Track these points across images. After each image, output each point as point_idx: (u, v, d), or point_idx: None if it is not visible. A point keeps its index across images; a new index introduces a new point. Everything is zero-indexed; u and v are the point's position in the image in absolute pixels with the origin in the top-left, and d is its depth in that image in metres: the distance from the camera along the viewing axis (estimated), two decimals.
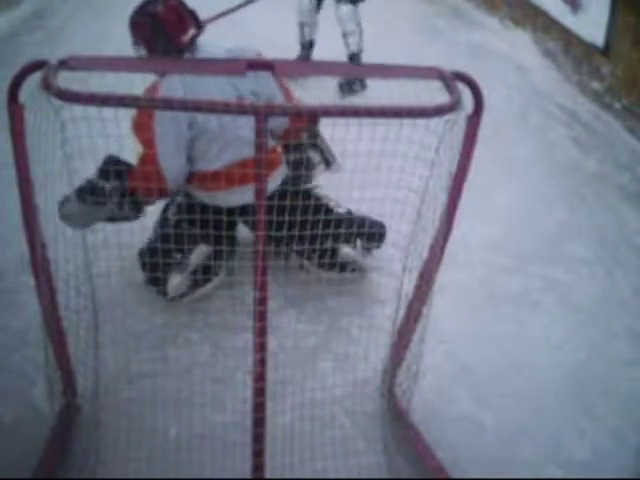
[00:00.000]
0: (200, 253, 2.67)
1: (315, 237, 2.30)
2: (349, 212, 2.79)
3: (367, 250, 2.80)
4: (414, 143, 1.89)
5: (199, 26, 2.70)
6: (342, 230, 2.56)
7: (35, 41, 5.45)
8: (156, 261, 2.54)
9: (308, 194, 2.67)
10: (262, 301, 1.80)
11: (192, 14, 2.70)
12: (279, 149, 2.86)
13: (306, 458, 2.11)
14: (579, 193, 3.67)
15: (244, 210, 2.65)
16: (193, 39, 2.67)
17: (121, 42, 5.14)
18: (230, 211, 2.62)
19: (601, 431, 2.33)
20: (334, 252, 2.63)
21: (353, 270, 2.73)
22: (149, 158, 2.52)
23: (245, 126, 2.58)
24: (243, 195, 2.58)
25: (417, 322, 2.09)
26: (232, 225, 2.71)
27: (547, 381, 2.50)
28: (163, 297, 2.71)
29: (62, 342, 2.09)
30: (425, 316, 2.09)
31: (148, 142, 2.52)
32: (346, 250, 2.69)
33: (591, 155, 4.08)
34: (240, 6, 4.46)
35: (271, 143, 2.64)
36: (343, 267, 2.67)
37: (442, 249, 1.98)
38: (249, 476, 1.94)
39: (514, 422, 2.32)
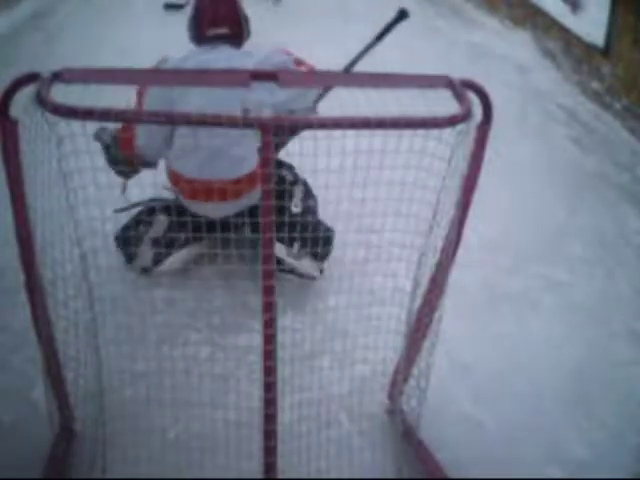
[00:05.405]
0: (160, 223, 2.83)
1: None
2: (308, 213, 2.85)
3: (313, 256, 2.81)
4: (425, 154, 1.87)
5: (239, 32, 2.86)
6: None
7: (34, 41, 5.45)
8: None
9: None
10: (269, 290, 1.78)
11: (237, 17, 2.85)
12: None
13: (304, 458, 2.11)
14: (579, 193, 3.67)
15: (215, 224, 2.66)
16: (218, 37, 2.80)
17: (120, 42, 5.20)
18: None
19: (601, 431, 2.32)
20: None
21: (290, 271, 2.79)
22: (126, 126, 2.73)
23: (237, 144, 2.72)
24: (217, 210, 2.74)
25: (425, 337, 2.09)
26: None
27: (547, 381, 2.49)
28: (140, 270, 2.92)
29: (54, 348, 2.07)
30: (434, 333, 2.08)
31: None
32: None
33: (591, 155, 4.08)
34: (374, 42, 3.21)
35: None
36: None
37: (451, 258, 1.97)
38: (255, 475, 1.95)
39: (514, 422, 2.31)
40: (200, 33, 2.82)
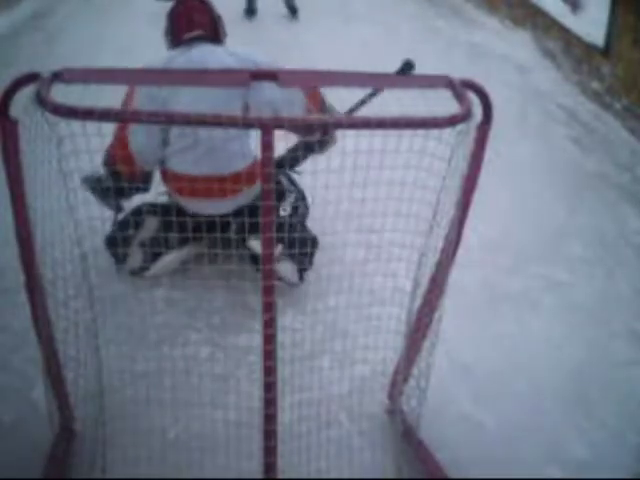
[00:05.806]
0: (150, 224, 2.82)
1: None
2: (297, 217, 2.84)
3: (294, 261, 2.78)
4: (425, 154, 1.86)
5: (214, 32, 2.88)
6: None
7: (34, 41, 5.45)
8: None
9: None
10: (269, 290, 1.78)
11: (210, 19, 2.88)
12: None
13: (304, 458, 2.11)
14: (579, 193, 3.67)
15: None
16: (195, 38, 2.82)
17: (120, 42, 5.20)
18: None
19: (601, 431, 2.32)
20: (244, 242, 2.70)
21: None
22: (119, 134, 2.70)
23: (235, 140, 2.70)
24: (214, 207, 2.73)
25: (425, 337, 2.09)
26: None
27: (547, 381, 2.50)
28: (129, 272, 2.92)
29: (54, 348, 2.07)
30: (434, 333, 2.08)
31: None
32: (252, 243, 2.72)
33: (591, 155, 4.08)
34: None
35: (256, 154, 2.69)
36: (254, 260, 2.76)
37: (451, 258, 1.97)
38: (255, 475, 1.95)
39: (514, 422, 2.32)
40: (177, 39, 2.85)
